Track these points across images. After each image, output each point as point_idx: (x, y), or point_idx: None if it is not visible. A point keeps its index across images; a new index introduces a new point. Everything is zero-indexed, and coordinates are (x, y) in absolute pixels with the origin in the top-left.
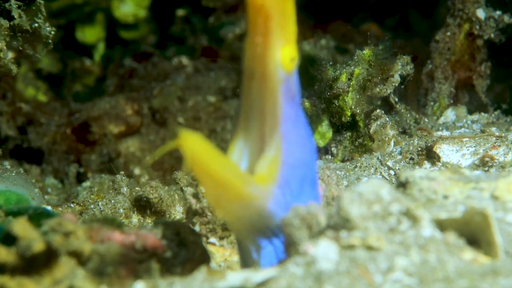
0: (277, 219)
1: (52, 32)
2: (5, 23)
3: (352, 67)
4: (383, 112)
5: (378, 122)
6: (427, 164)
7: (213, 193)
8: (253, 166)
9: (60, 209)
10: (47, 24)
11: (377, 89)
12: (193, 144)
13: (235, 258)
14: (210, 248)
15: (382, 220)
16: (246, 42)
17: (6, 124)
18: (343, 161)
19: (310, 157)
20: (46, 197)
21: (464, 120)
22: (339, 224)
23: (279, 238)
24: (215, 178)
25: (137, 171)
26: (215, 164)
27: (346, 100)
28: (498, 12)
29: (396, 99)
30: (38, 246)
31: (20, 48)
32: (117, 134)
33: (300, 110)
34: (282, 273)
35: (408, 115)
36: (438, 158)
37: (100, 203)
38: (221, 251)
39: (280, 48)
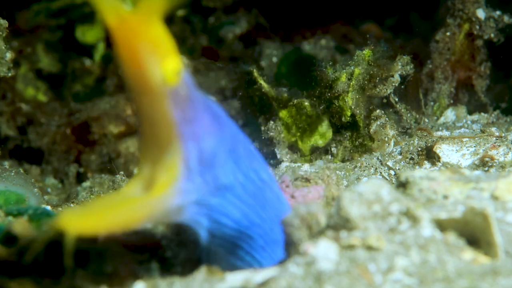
0: (191, 201)
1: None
2: (5, 23)
3: (352, 67)
4: (383, 112)
5: (378, 122)
6: (427, 164)
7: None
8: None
9: (60, 209)
10: None
11: (377, 89)
12: (74, 221)
13: None
14: None
15: (382, 220)
16: (121, 65)
17: (6, 124)
18: (343, 161)
19: (218, 137)
20: (46, 197)
21: (464, 120)
22: (339, 224)
23: (202, 203)
24: (114, 224)
25: (137, 171)
26: (105, 219)
27: (346, 100)
28: (498, 12)
29: (396, 99)
30: (38, 246)
31: None
32: (117, 134)
33: (197, 101)
34: (282, 273)
35: (408, 115)
36: (438, 158)
37: None
38: None
39: (158, 66)
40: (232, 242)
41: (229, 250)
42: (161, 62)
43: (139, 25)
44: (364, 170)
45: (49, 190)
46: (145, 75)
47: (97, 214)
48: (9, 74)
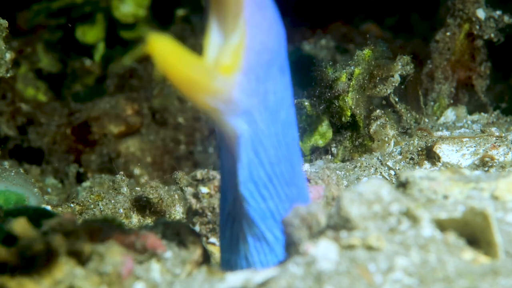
0: (243, 104)
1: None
2: (4, 23)
3: (352, 67)
4: (383, 112)
5: (378, 122)
6: (427, 164)
7: (183, 90)
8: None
9: (60, 209)
10: None
11: (377, 89)
12: (161, 47)
13: None
14: (210, 248)
15: (382, 220)
16: None
17: (6, 124)
18: (343, 161)
19: (277, 42)
20: (46, 197)
21: (464, 120)
22: (339, 224)
23: (250, 117)
24: (183, 78)
25: (137, 171)
26: (181, 64)
27: (346, 100)
28: (498, 12)
29: (396, 99)
30: (38, 246)
31: None
32: (117, 134)
33: None
34: (282, 273)
35: (408, 115)
36: (438, 158)
37: (100, 203)
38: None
39: None
40: (262, 195)
41: (256, 204)
42: None
43: None
44: (364, 170)
45: (49, 190)
46: None
47: (180, 55)
48: (7, 75)
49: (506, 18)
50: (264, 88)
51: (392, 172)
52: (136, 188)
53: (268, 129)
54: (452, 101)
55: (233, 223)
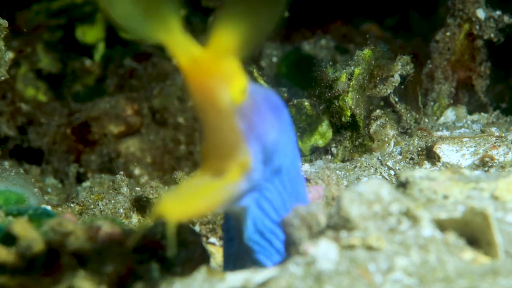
0: (253, 187)
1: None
2: (4, 23)
3: (352, 67)
4: (383, 112)
5: (378, 122)
6: (427, 164)
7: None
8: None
9: (60, 209)
10: None
11: (377, 89)
12: (171, 210)
13: None
14: (210, 248)
15: (382, 220)
16: (190, 92)
17: (6, 124)
18: (343, 161)
19: (279, 130)
20: (46, 197)
21: (464, 120)
22: (339, 224)
23: (256, 188)
24: (199, 212)
25: (137, 171)
26: (193, 205)
27: (346, 100)
28: (498, 12)
29: (396, 99)
30: (38, 246)
31: None
32: (117, 134)
33: (261, 104)
34: (282, 273)
35: (408, 115)
36: (438, 158)
37: (100, 203)
38: (221, 251)
39: (227, 91)
40: (268, 239)
41: (262, 249)
42: (229, 86)
43: (210, 64)
44: (364, 170)
45: (49, 190)
46: (214, 101)
47: (191, 199)
48: (3, 78)
49: (506, 18)
50: (271, 164)
51: (392, 172)
52: (136, 188)
53: (273, 183)
54: (452, 101)
55: (235, 261)
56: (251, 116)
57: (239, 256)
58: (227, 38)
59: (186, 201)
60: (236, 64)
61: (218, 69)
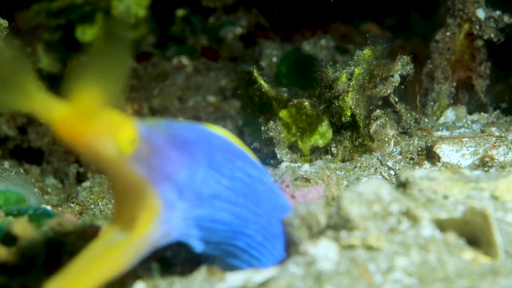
0: (177, 222)
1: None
2: (4, 23)
3: (352, 67)
4: (383, 112)
5: (378, 122)
6: (427, 164)
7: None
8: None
9: (60, 209)
10: None
11: (377, 89)
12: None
13: None
14: None
15: (382, 220)
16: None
17: (6, 124)
18: (343, 161)
19: (191, 159)
20: (46, 197)
21: (464, 120)
22: (339, 224)
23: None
24: (105, 276)
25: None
26: (94, 275)
27: (346, 100)
28: (498, 12)
29: (396, 99)
30: (38, 246)
31: None
32: None
33: (159, 140)
34: (282, 273)
35: (408, 115)
36: (438, 158)
37: (100, 203)
38: None
39: (111, 143)
40: (228, 243)
41: (226, 252)
42: (113, 137)
43: (81, 120)
44: (364, 170)
45: (49, 190)
46: (99, 155)
47: (84, 275)
48: None
49: (506, 18)
50: (193, 192)
51: (392, 172)
52: None
53: (212, 207)
54: (452, 101)
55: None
56: (150, 161)
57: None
58: (87, 98)
59: (77, 279)
60: (117, 115)
61: (92, 124)
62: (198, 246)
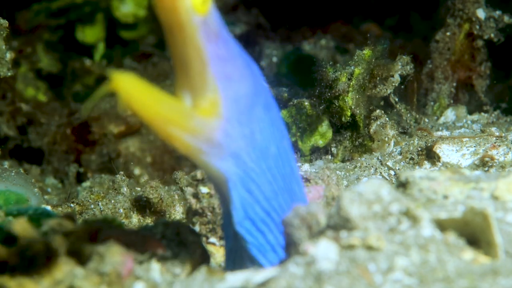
0: (229, 148)
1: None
2: (5, 22)
3: (352, 67)
4: (383, 112)
5: (378, 122)
6: (427, 164)
7: (159, 130)
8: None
9: (60, 209)
10: None
11: (377, 89)
12: (127, 84)
13: None
14: (210, 248)
15: (382, 220)
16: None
17: (6, 124)
18: (343, 161)
19: (253, 86)
20: (46, 197)
21: (464, 120)
22: (339, 224)
23: (238, 159)
24: (154, 115)
25: (137, 171)
26: (152, 102)
27: (346, 100)
28: (498, 12)
29: (396, 99)
30: (38, 246)
31: None
32: (117, 134)
33: (230, 43)
34: (282, 273)
35: (408, 115)
36: (438, 158)
37: (100, 203)
38: (221, 251)
39: None
40: (260, 230)
41: (255, 239)
42: None
43: None
44: (364, 170)
45: (49, 190)
46: (176, 6)
47: (150, 92)
48: (9, 74)
49: (506, 18)
50: (249, 129)
51: (392, 172)
52: (136, 188)
53: (260, 166)
54: (452, 101)
55: (235, 257)
56: (218, 43)
57: (237, 251)
58: None
59: (145, 89)
60: None
61: None
62: (238, 210)
